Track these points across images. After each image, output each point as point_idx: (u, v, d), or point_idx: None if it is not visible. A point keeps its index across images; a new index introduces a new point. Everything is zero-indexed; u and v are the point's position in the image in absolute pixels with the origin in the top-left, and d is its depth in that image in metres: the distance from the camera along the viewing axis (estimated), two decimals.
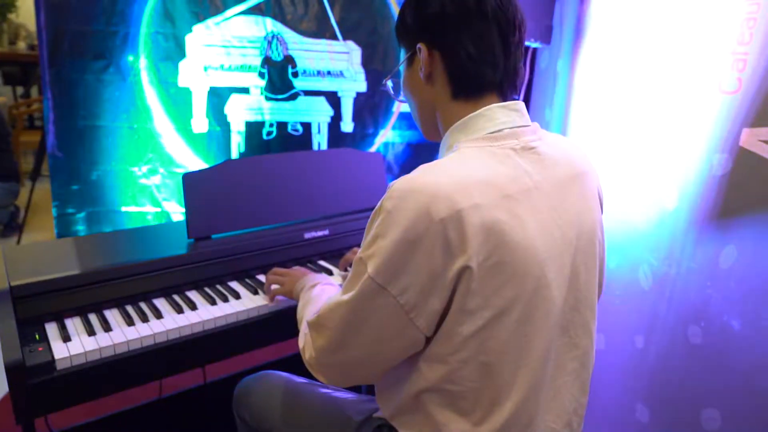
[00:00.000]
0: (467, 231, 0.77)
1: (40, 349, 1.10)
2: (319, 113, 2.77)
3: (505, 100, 0.92)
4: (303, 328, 1.02)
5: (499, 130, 0.88)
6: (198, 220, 1.43)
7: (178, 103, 2.67)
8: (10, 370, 1.01)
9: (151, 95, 2.65)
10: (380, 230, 0.81)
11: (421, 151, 2.88)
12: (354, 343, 0.87)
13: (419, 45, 0.92)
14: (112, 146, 2.70)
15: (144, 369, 1.18)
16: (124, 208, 2.81)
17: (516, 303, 0.82)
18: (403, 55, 0.99)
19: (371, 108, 2.81)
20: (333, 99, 2.78)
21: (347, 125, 2.79)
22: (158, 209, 2.82)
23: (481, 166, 0.84)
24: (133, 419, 1.62)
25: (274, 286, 1.31)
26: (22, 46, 5.90)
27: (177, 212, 2.82)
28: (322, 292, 1.14)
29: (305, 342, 0.97)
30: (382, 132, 2.84)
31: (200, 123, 2.69)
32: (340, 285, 1.20)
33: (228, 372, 1.74)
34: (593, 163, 1.00)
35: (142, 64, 2.61)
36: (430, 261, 0.78)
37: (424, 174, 0.82)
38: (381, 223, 0.81)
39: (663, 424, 1.69)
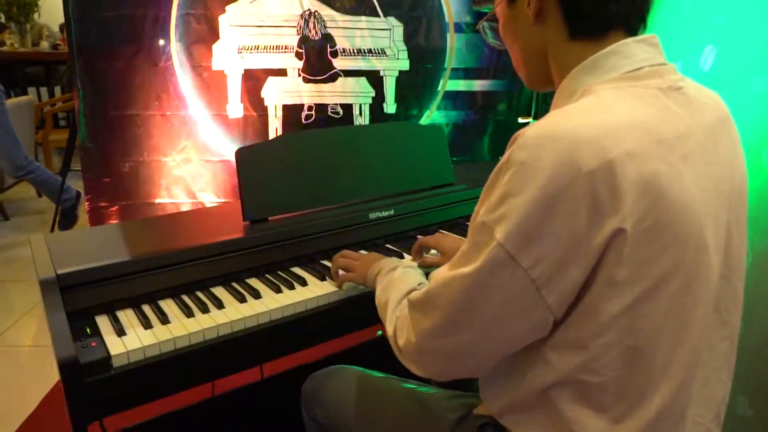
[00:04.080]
0: (620, 185, 0.63)
1: (94, 344, 0.98)
2: (360, 94, 2.63)
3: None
4: (392, 311, 0.88)
5: (639, 68, 0.73)
6: (254, 200, 1.30)
7: (211, 87, 2.55)
8: (63, 367, 0.88)
9: (183, 81, 2.53)
10: (511, 187, 0.66)
11: (468, 131, 2.73)
12: (468, 325, 0.73)
13: None
14: (144, 136, 2.59)
15: (207, 365, 1.05)
16: (157, 201, 2.70)
17: (675, 272, 0.68)
18: None
19: (415, 87, 2.66)
20: (374, 79, 2.63)
21: (390, 106, 2.65)
22: (194, 200, 2.71)
23: (627, 108, 0.69)
24: (186, 420, 1.49)
25: (342, 272, 1.17)
26: (45, 45, 5.84)
27: (213, 203, 2.70)
28: (406, 274, 0.99)
29: (397, 326, 0.83)
30: (426, 113, 2.69)
31: (236, 108, 2.57)
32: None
33: (286, 366, 1.60)
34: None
35: (173, 48, 2.49)
36: (572, 224, 0.64)
37: (561, 118, 0.68)
38: (512, 179, 0.66)
39: None
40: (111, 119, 2.53)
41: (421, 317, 0.78)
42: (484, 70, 2.76)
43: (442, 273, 0.76)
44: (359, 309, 1.16)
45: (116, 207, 2.68)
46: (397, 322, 0.85)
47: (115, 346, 0.97)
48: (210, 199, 2.70)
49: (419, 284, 0.95)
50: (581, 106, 0.70)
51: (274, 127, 2.61)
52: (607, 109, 0.69)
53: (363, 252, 1.34)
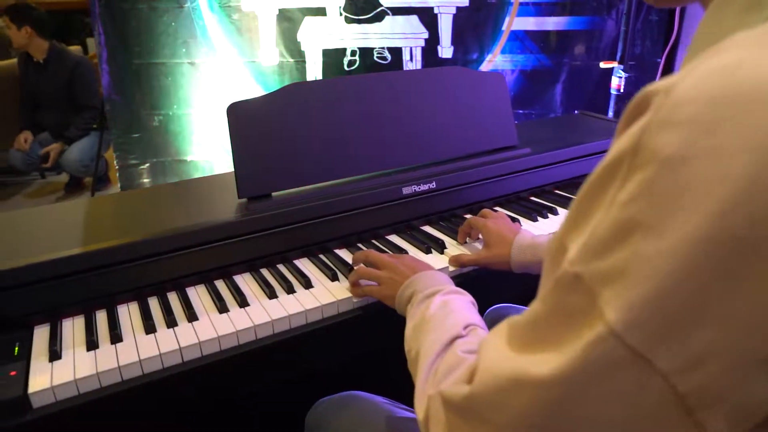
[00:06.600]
0: None
1: (13, 373, 0.73)
2: (410, 36, 2.30)
3: None
4: (423, 378, 0.56)
5: None
6: (252, 171, 1.01)
7: (242, 31, 2.26)
8: None
9: (211, 24, 2.26)
10: (643, 211, 0.32)
11: (538, 79, 2.34)
12: None
13: None
14: (172, 87, 2.35)
15: (168, 404, 0.79)
16: (190, 158, 2.48)
17: None
18: None
19: (475, 27, 2.29)
20: (428, 17, 2.29)
21: (446, 49, 2.30)
22: (229, 158, 2.47)
23: None
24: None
25: (365, 282, 0.87)
26: None
27: None
28: (448, 308, 0.66)
29: (430, 413, 0.51)
30: (488, 57, 2.32)
31: (269, 54, 2.28)
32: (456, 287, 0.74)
33: None
34: None
35: None
36: None
37: (757, 54, 0.32)
38: (645, 193, 0.32)
39: None
40: (136, 68, 2.31)
41: (465, 427, 0.46)
42: (559, 4, 2.34)
43: (498, 355, 0.43)
44: (381, 322, 0.87)
45: (147, 164, 2.49)
46: (429, 405, 0.52)
47: (39, 377, 0.72)
48: None
49: (466, 327, 0.62)
50: None
51: (313, 74, 2.31)
52: None
53: (391, 252, 1.03)
